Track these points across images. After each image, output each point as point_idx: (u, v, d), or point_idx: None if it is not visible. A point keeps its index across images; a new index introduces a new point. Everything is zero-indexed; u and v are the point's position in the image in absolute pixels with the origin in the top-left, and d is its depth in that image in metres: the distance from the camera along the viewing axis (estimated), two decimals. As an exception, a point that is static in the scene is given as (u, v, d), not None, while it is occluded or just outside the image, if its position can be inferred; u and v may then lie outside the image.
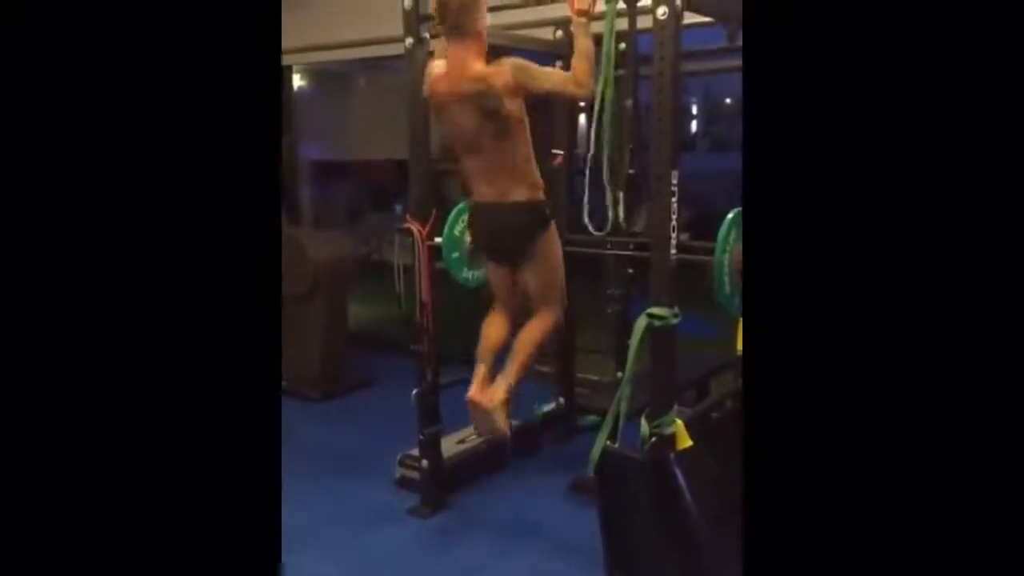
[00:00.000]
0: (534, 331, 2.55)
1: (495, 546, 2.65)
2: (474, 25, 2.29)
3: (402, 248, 3.03)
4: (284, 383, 3.97)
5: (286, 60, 4.66)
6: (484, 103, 2.26)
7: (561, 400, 3.55)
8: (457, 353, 3.48)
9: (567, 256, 2.64)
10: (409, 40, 2.68)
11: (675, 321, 2.17)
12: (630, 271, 3.36)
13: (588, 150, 2.66)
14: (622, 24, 2.89)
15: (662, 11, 2.04)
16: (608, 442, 2.28)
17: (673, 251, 2.15)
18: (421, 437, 2.89)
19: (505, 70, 2.24)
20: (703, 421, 2.54)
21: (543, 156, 2.53)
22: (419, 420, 2.89)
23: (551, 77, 2.28)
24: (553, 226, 2.49)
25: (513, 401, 2.54)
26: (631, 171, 2.93)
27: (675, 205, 2.14)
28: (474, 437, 3.24)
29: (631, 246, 3.00)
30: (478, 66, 2.30)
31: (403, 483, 3.06)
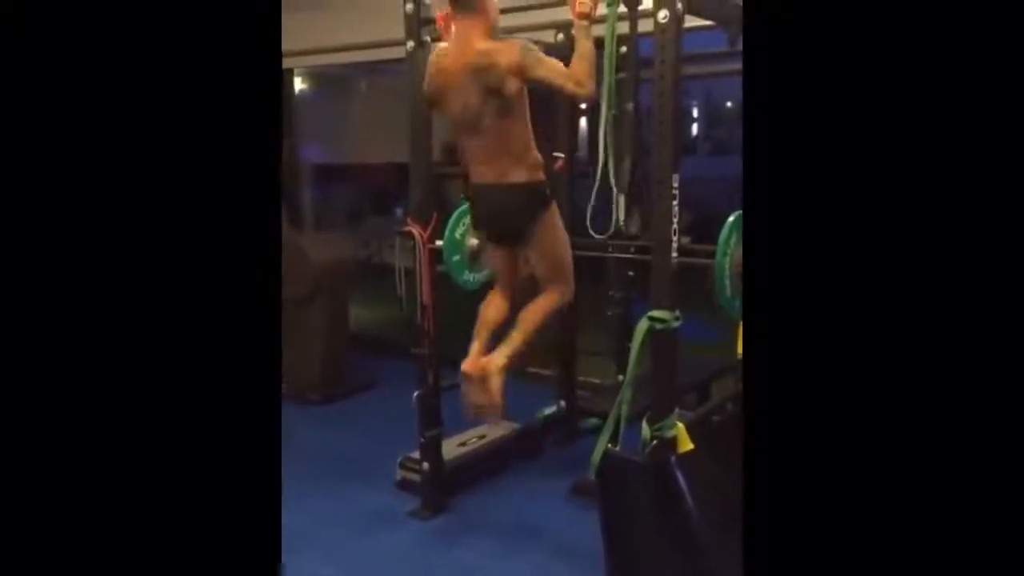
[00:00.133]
0: (540, 306, 2.53)
1: (496, 549, 2.65)
2: (481, 1, 2.30)
3: (403, 251, 3.03)
4: (285, 386, 3.98)
5: (287, 63, 4.66)
6: (487, 79, 2.25)
7: (562, 403, 3.55)
8: (458, 356, 3.48)
9: (568, 258, 2.63)
10: (410, 43, 2.69)
11: (676, 324, 2.17)
12: (631, 274, 3.37)
13: (589, 154, 2.67)
14: (623, 27, 2.89)
15: (663, 14, 2.05)
16: (609, 445, 2.28)
17: (674, 254, 2.15)
18: (422, 440, 2.89)
19: (514, 49, 2.24)
20: (704, 424, 2.54)
21: (544, 157, 2.52)
22: (420, 423, 2.89)
23: (554, 68, 2.26)
24: (555, 206, 2.47)
25: (511, 375, 2.51)
26: (632, 175, 2.93)
27: (676, 208, 2.14)
28: (475, 439, 3.25)
29: (632, 249, 3.00)
30: (484, 42, 2.30)
31: (404, 485, 3.06)
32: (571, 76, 2.21)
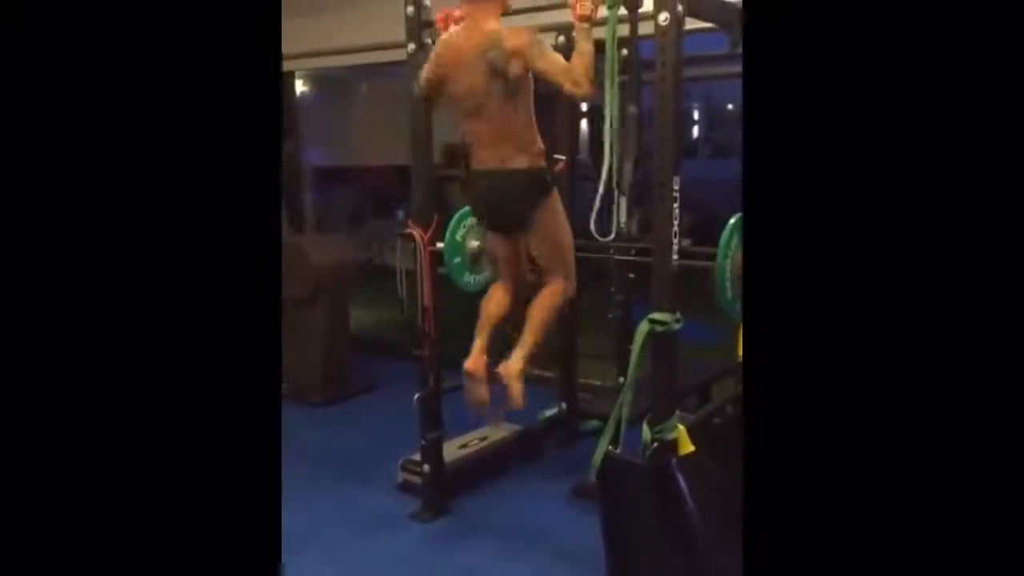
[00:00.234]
0: (545, 300, 2.54)
1: (497, 551, 2.65)
2: None
3: (404, 253, 3.03)
4: (285, 387, 3.98)
5: (289, 66, 4.67)
6: (493, 59, 2.26)
7: (563, 405, 3.55)
8: (459, 358, 3.48)
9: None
10: (411, 46, 2.69)
11: (677, 327, 2.17)
12: (632, 276, 3.37)
13: (590, 156, 2.67)
14: (623, 30, 2.89)
15: (664, 17, 2.05)
16: (610, 447, 2.28)
17: (675, 257, 2.15)
18: (423, 442, 2.89)
19: (522, 34, 2.26)
20: (705, 426, 2.54)
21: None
22: (421, 425, 2.89)
23: (555, 63, 2.26)
24: (556, 193, 2.47)
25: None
26: (635, 177, 2.93)
27: (677, 210, 2.14)
28: (476, 442, 3.25)
29: (633, 251, 3.00)
30: (494, 24, 2.32)
31: (405, 488, 3.06)
32: (569, 73, 2.21)
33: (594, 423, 3.37)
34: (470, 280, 2.95)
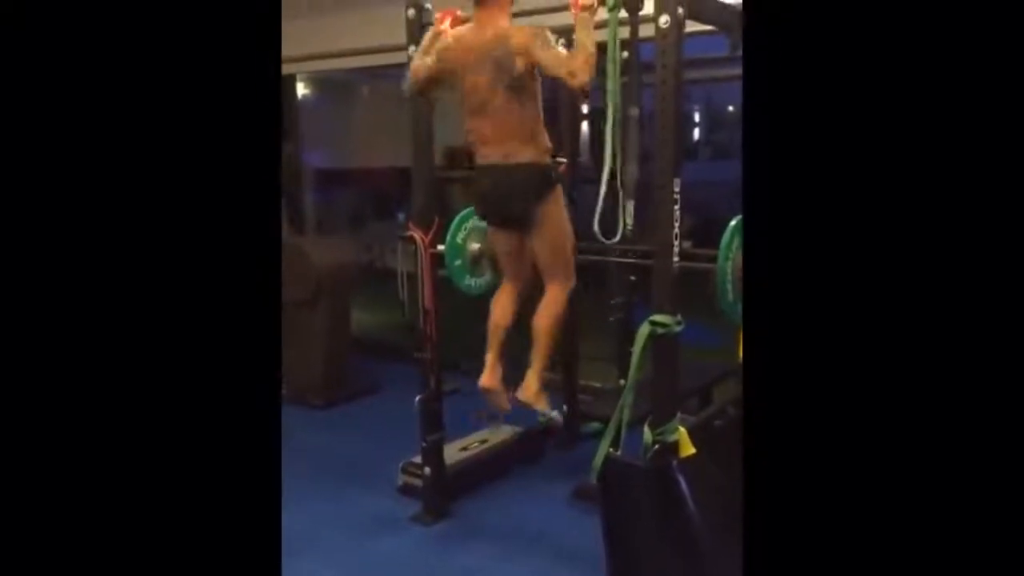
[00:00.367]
0: (549, 312, 2.55)
1: (498, 553, 2.64)
2: None
3: (405, 255, 3.03)
4: (286, 389, 3.98)
5: (290, 69, 4.67)
6: (501, 59, 2.28)
7: (564, 407, 3.54)
8: (460, 360, 3.48)
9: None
10: (412, 48, 2.69)
11: (678, 329, 2.17)
12: (632, 278, 3.37)
13: (591, 158, 2.67)
14: (624, 32, 2.89)
15: (664, 19, 2.05)
16: (611, 449, 2.27)
17: (676, 259, 2.15)
18: (424, 444, 2.89)
19: (527, 30, 2.29)
20: (706, 429, 2.53)
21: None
22: (422, 427, 2.88)
23: (555, 55, 2.26)
24: (559, 190, 2.47)
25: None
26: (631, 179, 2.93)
27: (678, 212, 2.14)
28: (477, 444, 3.24)
29: (634, 254, 3.00)
30: (503, 22, 2.34)
31: (406, 490, 3.06)
32: (566, 65, 2.21)
33: (595, 425, 3.37)
34: (471, 283, 2.95)
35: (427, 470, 2.90)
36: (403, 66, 2.76)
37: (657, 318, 2.15)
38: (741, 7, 1.89)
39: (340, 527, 2.84)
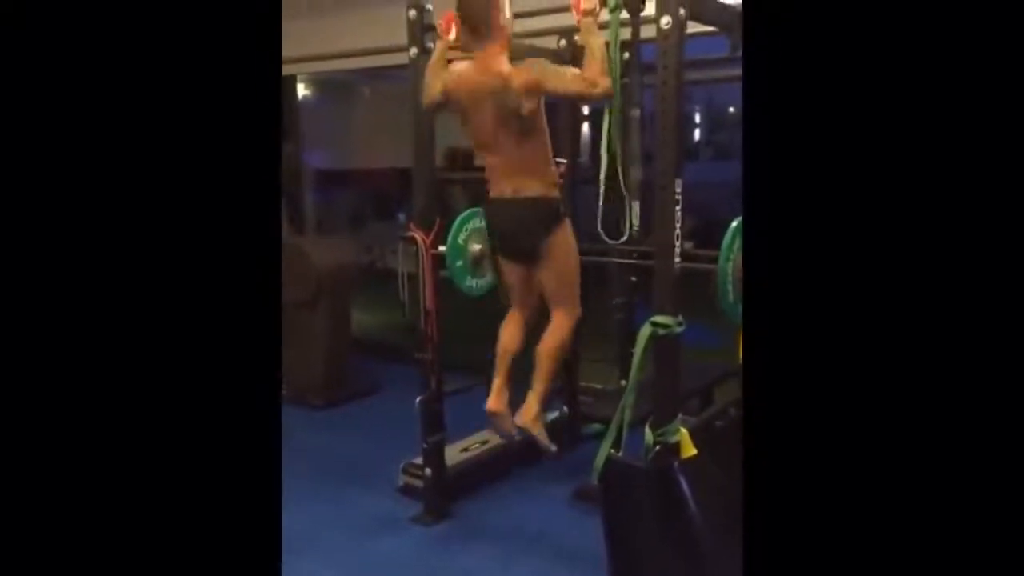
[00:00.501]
0: (554, 338, 2.57)
1: (498, 554, 2.64)
2: (496, 23, 2.32)
3: (406, 256, 3.02)
4: (287, 389, 3.98)
5: (291, 70, 4.68)
6: (505, 101, 2.28)
7: (565, 408, 3.54)
8: (460, 362, 3.47)
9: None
10: (413, 50, 2.69)
11: (679, 330, 2.17)
12: (633, 279, 3.36)
13: (591, 159, 2.67)
14: (625, 33, 2.89)
15: (665, 20, 2.05)
16: (612, 450, 2.27)
17: (677, 259, 2.15)
18: (424, 445, 2.89)
19: (527, 70, 2.27)
20: (707, 429, 2.53)
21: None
22: (422, 428, 2.88)
23: (564, 77, 2.27)
24: (567, 223, 2.49)
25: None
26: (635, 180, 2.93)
27: (679, 213, 2.14)
28: (478, 445, 3.24)
29: (635, 254, 3.00)
30: (502, 65, 2.32)
31: (406, 491, 3.06)
32: (584, 79, 2.21)
33: (596, 426, 3.37)
34: (472, 284, 2.95)
35: (428, 471, 2.90)
36: (404, 67, 2.76)
37: (658, 319, 2.15)
38: (741, 8, 1.89)
39: (340, 527, 2.84)
